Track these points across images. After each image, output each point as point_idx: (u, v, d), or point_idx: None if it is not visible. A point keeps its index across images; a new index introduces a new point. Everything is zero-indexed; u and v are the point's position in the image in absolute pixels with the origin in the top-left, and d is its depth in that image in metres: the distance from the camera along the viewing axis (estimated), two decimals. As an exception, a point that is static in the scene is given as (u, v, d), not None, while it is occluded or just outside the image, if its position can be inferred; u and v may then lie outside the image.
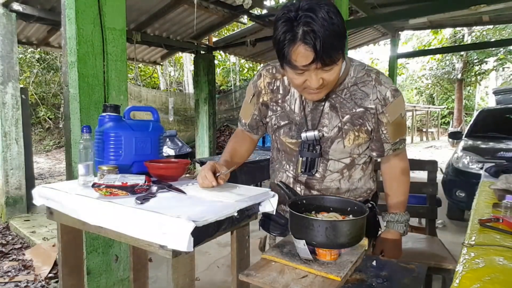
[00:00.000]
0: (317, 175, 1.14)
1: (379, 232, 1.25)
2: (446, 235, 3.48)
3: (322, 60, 0.87)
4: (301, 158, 1.11)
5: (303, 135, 1.08)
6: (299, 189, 1.18)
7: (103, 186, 1.03)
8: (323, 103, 1.08)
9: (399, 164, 1.20)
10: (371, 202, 1.21)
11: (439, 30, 13.99)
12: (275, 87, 1.14)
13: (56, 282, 2.54)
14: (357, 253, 0.96)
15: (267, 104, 1.17)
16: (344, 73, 1.05)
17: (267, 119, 1.19)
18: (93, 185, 1.04)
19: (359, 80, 1.05)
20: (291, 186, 1.18)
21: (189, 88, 11.87)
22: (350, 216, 1.00)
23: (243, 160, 1.28)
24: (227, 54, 9.34)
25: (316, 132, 1.06)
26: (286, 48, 0.88)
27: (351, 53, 9.12)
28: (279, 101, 1.14)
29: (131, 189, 1.04)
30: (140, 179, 1.09)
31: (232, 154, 1.24)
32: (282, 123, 1.14)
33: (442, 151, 12.61)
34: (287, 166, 1.20)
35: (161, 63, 8.73)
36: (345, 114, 1.06)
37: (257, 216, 1.12)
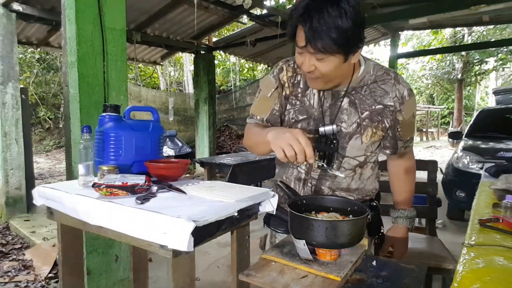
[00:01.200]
0: (329, 171, 1.12)
1: (382, 230, 1.25)
2: (446, 235, 3.48)
3: (312, 45, 0.90)
4: (318, 153, 1.09)
5: (321, 129, 1.06)
6: (309, 185, 1.16)
7: (103, 186, 1.03)
8: (341, 99, 1.08)
9: (407, 162, 1.25)
10: (375, 201, 1.23)
11: (439, 30, 13.99)
12: (296, 81, 1.14)
13: (56, 282, 2.54)
14: (357, 253, 0.96)
15: (288, 97, 1.15)
16: (364, 71, 1.07)
17: (285, 114, 1.16)
18: (93, 185, 1.04)
19: (378, 78, 1.08)
20: (302, 182, 1.17)
21: (189, 88, 11.87)
22: (350, 216, 1.00)
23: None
24: (227, 54, 9.34)
25: (334, 126, 1.05)
26: (293, 24, 0.94)
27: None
28: (299, 95, 1.13)
29: (131, 189, 1.04)
30: (140, 179, 1.09)
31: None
32: (301, 117, 1.13)
33: (442, 151, 12.61)
34: (300, 164, 1.18)
35: (161, 63, 8.74)
36: (364, 111, 1.08)
37: (257, 216, 1.12)
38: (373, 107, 1.07)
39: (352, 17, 0.88)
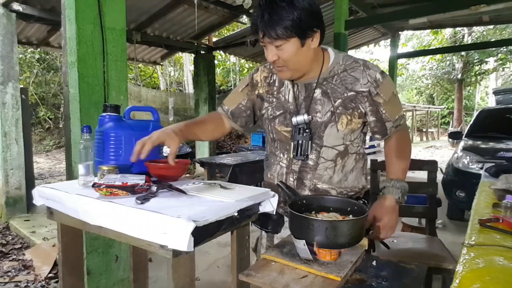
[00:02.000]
0: (310, 162, 1.15)
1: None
2: (446, 235, 3.48)
3: (266, 34, 1.01)
4: (292, 143, 1.15)
5: (294, 119, 1.13)
6: (291, 179, 1.19)
7: (103, 186, 1.03)
8: (314, 90, 1.14)
9: (401, 137, 1.21)
10: (363, 199, 1.22)
11: (439, 30, 13.99)
12: (271, 81, 1.22)
13: (56, 282, 2.54)
14: (357, 253, 0.96)
15: (263, 96, 1.24)
16: (334, 61, 1.13)
17: (263, 111, 1.24)
18: (93, 185, 1.04)
19: (348, 67, 1.13)
20: (285, 176, 1.20)
21: (189, 88, 11.87)
22: (350, 216, 1.00)
23: (203, 136, 1.27)
24: (227, 54, 9.34)
25: (305, 116, 1.11)
26: (253, 21, 1.06)
27: (351, 53, 9.11)
28: (275, 92, 1.21)
29: (131, 189, 1.04)
30: (140, 179, 1.09)
31: (196, 124, 1.24)
32: (278, 112, 1.20)
33: (442, 151, 12.61)
34: (281, 156, 1.21)
35: (161, 63, 8.74)
36: (337, 99, 1.12)
37: (257, 216, 1.12)
38: (345, 94, 1.11)
39: (301, 6, 0.98)
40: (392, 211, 1.16)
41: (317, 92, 1.13)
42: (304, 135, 1.12)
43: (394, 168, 1.21)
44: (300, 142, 1.13)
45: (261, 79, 1.23)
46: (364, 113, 1.12)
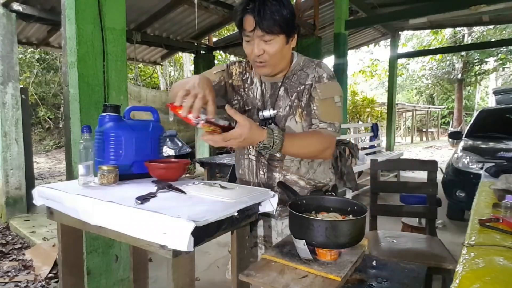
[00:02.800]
0: (277, 154, 1.20)
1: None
2: (446, 235, 3.49)
3: (260, 27, 1.05)
4: None
5: (260, 113, 1.22)
6: (262, 172, 1.24)
7: (204, 121, 0.96)
8: (279, 88, 1.22)
9: (321, 136, 1.14)
10: (332, 192, 1.26)
11: (439, 30, 13.99)
12: (245, 78, 1.30)
13: (56, 282, 2.54)
14: (357, 253, 0.96)
15: (235, 88, 1.30)
16: (296, 63, 1.23)
17: (233, 102, 1.30)
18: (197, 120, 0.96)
19: (305, 66, 1.23)
20: (255, 170, 1.25)
21: (189, 88, 11.83)
22: (350, 216, 1.00)
23: None
24: (227, 54, 9.34)
25: (271, 111, 1.20)
26: (239, 17, 1.09)
27: (351, 53, 9.14)
28: (246, 89, 1.29)
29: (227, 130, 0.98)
30: (225, 122, 1.02)
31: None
32: (246, 108, 1.27)
33: (442, 151, 12.62)
34: (250, 148, 1.27)
35: (161, 63, 8.74)
36: (293, 93, 1.21)
37: (257, 216, 1.12)
38: (299, 88, 1.20)
39: (288, 6, 1.07)
40: (253, 134, 0.99)
41: (281, 90, 1.23)
42: (269, 127, 1.17)
43: (296, 135, 1.14)
44: None
45: (236, 73, 1.30)
46: (304, 104, 1.20)
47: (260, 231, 1.31)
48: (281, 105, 1.22)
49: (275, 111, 1.20)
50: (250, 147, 1.25)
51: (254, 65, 1.19)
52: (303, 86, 1.20)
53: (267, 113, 1.20)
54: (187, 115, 0.96)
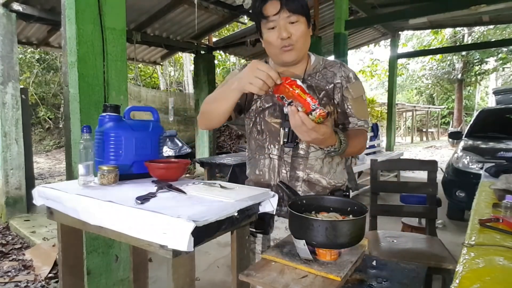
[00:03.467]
0: (301, 152, 1.20)
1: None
2: (446, 235, 3.48)
3: (288, 6, 1.07)
4: (283, 130, 1.16)
5: (285, 109, 1.15)
6: (284, 171, 1.21)
7: (322, 109, 0.92)
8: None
9: (360, 133, 1.21)
10: (346, 192, 1.27)
11: (439, 30, 13.99)
12: None
13: (56, 282, 2.54)
14: (357, 253, 0.96)
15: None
16: (316, 61, 1.25)
17: (252, 103, 1.28)
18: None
19: (327, 65, 1.25)
20: (277, 169, 1.22)
21: (189, 88, 11.87)
22: (350, 216, 1.00)
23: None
24: (227, 54, 9.34)
25: (299, 108, 1.16)
26: (259, 6, 1.11)
27: (351, 53, 9.13)
28: None
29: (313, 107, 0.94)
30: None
31: None
32: (267, 105, 1.24)
33: (442, 151, 12.61)
34: (271, 147, 1.23)
35: (161, 63, 8.74)
36: (321, 91, 1.21)
37: (257, 216, 1.12)
38: (327, 87, 1.21)
39: None
40: (331, 135, 1.01)
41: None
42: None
43: (349, 135, 1.14)
44: (290, 129, 1.14)
45: None
46: (336, 103, 1.21)
47: (275, 233, 1.28)
48: None
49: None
50: (272, 146, 1.23)
51: (278, 52, 1.15)
52: (332, 85, 1.21)
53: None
54: (308, 98, 0.93)
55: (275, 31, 1.11)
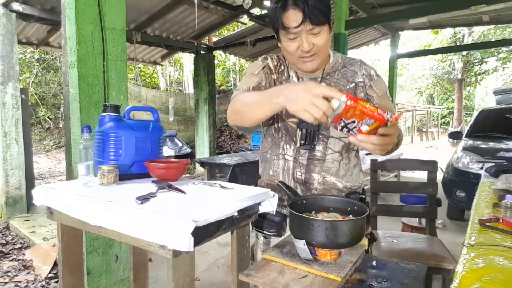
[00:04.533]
0: (318, 154, 1.17)
1: (370, 229, 1.21)
2: (446, 235, 3.48)
3: (311, 19, 1.00)
4: (300, 132, 1.15)
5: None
6: (299, 173, 1.18)
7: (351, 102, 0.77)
8: (320, 84, 1.16)
9: (398, 128, 1.09)
10: (362, 194, 1.21)
11: (439, 30, 13.98)
12: (281, 69, 1.23)
13: (56, 282, 2.54)
14: (357, 253, 0.96)
15: (275, 83, 1.21)
16: (334, 59, 1.20)
17: None
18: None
19: (347, 63, 1.20)
20: (292, 171, 1.19)
21: (189, 88, 11.86)
22: (350, 216, 1.00)
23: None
24: (227, 54, 9.34)
25: None
26: (279, 15, 1.04)
27: (351, 53, 9.15)
28: (283, 82, 1.22)
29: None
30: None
31: None
32: None
33: (442, 151, 12.60)
34: (286, 147, 1.20)
35: (161, 63, 8.74)
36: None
37: (257, 216, 1.12)
38: (347, 86, 1.17)
39: None
40: (394, 135, 0.91)
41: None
42: (313, 124, 1.11)
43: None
44: (308, 131, 1.14)
45: (273, 66, 1.22)
46: None
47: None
48: None
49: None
50: (288, 146, 1.19)
51: (297, 62, 1.11)
52: (353, 84, 1.16)
53: None
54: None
55: (296, 41, 1.05)
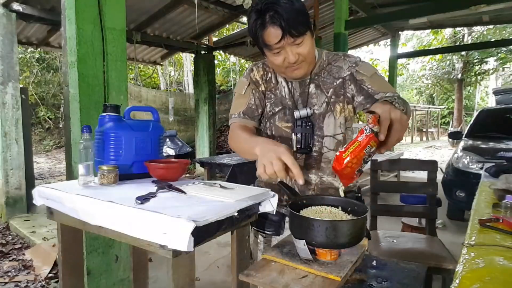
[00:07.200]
0: (314, 154, 1.18)
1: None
2: (446, 235, 3.49)
3: (291, 33, 1.01)
4: (295, 136, 1.16)
5: (296, 113, 1.16)
6: None
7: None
8: (308, 86, 1.19)
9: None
10: (358, 193, 1.21)
11: (439, 30, 13.99)
12: (268, 78, 1.24)
13: (56, 282, 2.54)
14: (357, 253, 0.96)
15: (264, 93, 1.24)
16: (320, 59, 1.20)
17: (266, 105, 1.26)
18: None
19: (331, 60, 1.20)
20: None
21: (189, 88, 11.87)
22: (350, 216, 1.00)
23: None
24: (227, 54, 9.34)
25: (308, 109, 1.16)
26: (259, 34, 1.04)
27: (351, 53, 9.14)
28: (273, 89, 1.24)
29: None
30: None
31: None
32: (277, 109, 1.22)
33: (442, 151, 12.61)
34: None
35: (161, 63, 8.74)
36: (328, 89, 1.18)
37: (257, 216, 1.12)
38: (334, 83, 1.18)
39: (298, 1, 1.03)
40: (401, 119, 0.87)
41: (311, 87, 1.19)
42: (307, 127, 1.15)
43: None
44: (303, 134, 1.15)
45: (260, 77, 1.23)
46: (351, 97, 1.16)
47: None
48: (315, 102, 1.17)
49: (311, 110, 1.16)
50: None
51: (285, 71, 1.13)
52: (340, 80, 1.17)
53: (304, 112, 1.15)
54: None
55: (281, 54, 1.06)
